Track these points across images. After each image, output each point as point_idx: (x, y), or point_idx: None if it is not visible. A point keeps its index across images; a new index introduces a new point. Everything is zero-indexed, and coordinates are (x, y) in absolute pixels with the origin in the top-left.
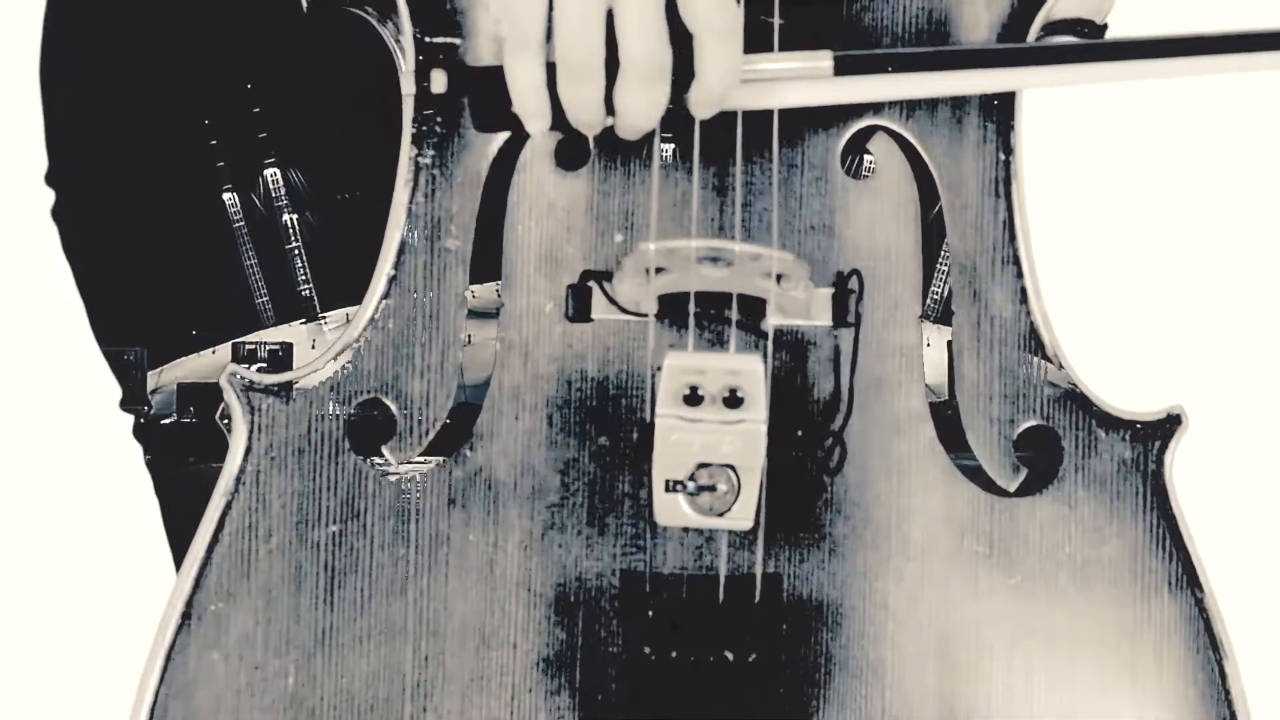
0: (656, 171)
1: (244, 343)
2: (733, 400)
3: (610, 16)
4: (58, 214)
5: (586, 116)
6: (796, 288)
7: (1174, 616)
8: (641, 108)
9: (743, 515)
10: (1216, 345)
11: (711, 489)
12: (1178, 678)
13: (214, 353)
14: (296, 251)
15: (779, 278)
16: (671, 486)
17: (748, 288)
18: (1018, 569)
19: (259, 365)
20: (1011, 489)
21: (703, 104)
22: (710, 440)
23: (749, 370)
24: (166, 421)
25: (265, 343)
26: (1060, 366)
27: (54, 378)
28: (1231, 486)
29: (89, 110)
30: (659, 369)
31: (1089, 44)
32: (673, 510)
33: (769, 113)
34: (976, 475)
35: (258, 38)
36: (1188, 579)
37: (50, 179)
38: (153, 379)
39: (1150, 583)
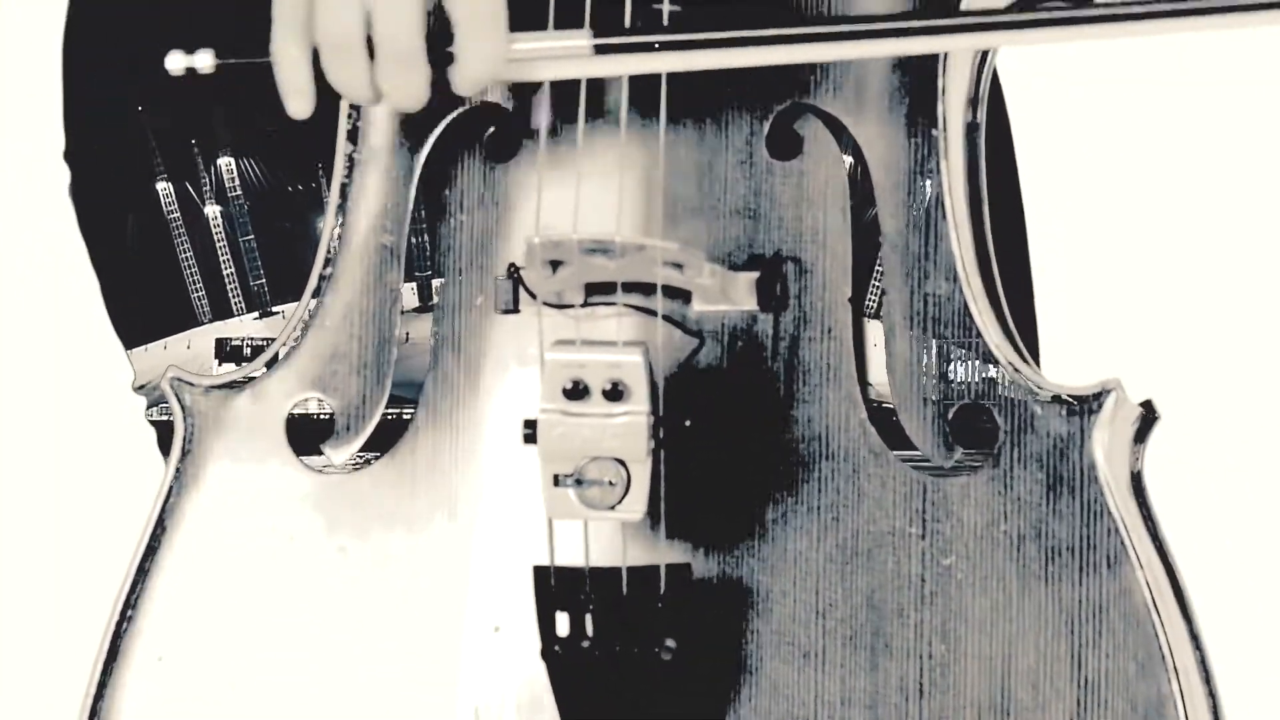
0: (541, 162)
1: (228, 339)
2: (614, 393)
3: None
4: (74, 192)
5: (354, 93)
6: (700, 274)
7: (1113, 591)
8: (400, 89)
9: (634, 508)
10: (1188, 335)
11: (600, 482)
12: (1117, 653)
13: (165, 347)
14: (224, 246)
15: (678, 266)
16: (559, 481)
17: (643, 276)
18: (952, 549)
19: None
20: (945, 468)
21: (462, 86)
22: (593, 434)
23: (629, 362)
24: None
25: (250, 339)
26: (994, 345)
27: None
28: (1202, 474)
29: (82, 89)
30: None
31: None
32: (563, 504)
33: (671, 102)
34: (909, 456)
35: (221, 27)
36: (1126, 553)
37: (68, 156)
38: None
39: (1089, 559)
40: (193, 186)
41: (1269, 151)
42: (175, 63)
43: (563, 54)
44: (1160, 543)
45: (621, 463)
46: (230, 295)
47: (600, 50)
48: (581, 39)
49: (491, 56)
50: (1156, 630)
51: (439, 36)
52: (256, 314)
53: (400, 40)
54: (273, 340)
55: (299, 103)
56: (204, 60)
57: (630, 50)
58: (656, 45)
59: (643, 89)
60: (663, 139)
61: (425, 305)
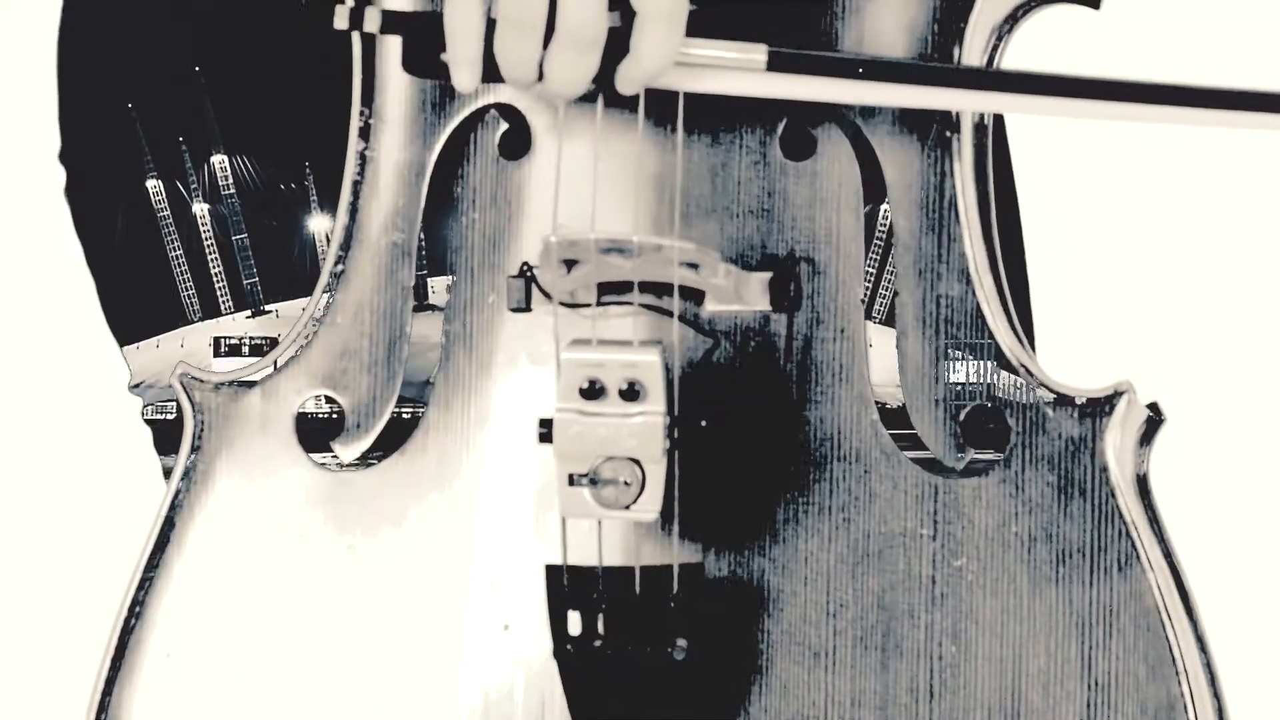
0: (559, 162)
1: (225, 337)
2: (630, 393)
3: None
4: (69, 192)
5: (518, 72)
6: (715, 274)
7: (1124, 594)
8: (568, 74)
9: (648, 508)
10: (1200, 338)
11: (615, 482)
12: (1127, 655)
13: (158, 345)
14: (211, 244)
15: (694, 266)
16: (574, 480)
17: (659, 276)
18: (963, 550)
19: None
20: (957, 469)
21: (631, 81)
22: (609, 434)
23: (646, 362)
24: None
25: (250, 337)
26: (1006, 347)
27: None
28: (1209, 476)
29: (75, 89)
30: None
31: (1030, 75)
32: (578, 504)
33: (687, 100)
34: (920, 457)
35: (211, 27)
36: (1137, 556)
37: (63, 157)
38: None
39: (1100, 561)
40: (182, 184)
41: (1267, 151)
42: (341, 23)
43: (734, 64)
44: (1167, 545)
45: (636, 463)
46: (219, 294)
47: (773, 66)
48: (756, 52)
49: (665, 55)
50: (1167, 633)
51: (618, 27)
52: (249, 313)
53: (588, 27)
54: (270, 338)
55: (467, 74)
56: (372, 20)
57: (804, 70)
58: (823, 71)
59: (659, 88)
60: (680, 138)
61: (421, 304)
